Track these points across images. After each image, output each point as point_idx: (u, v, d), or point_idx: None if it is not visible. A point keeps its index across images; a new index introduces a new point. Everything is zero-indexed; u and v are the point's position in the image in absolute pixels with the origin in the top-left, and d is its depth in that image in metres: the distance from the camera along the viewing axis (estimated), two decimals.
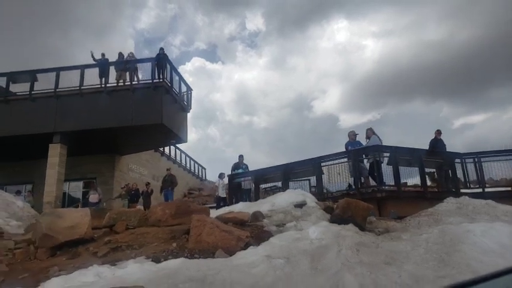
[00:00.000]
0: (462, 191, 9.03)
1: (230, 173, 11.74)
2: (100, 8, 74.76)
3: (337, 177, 9.10)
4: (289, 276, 5.03)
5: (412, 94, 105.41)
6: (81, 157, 16.84)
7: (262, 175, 10.72)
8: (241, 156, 11.99)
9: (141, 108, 14.96)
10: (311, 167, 9.49)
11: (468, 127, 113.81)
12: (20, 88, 16.13)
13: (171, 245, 6.48)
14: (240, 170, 11.51)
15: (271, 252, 5.65)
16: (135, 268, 5.36)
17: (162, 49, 15.51)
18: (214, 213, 8.62)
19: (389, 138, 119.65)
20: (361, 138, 9.77)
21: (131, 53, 15.86)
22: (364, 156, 9.09)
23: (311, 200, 8.37)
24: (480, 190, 9.23)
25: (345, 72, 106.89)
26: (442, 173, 9.81)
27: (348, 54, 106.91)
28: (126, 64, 15.39)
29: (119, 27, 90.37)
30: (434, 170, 9.94)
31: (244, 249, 6.09)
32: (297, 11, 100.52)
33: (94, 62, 15.45)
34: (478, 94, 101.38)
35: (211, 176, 32.67)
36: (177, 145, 23.95)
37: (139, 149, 19.15)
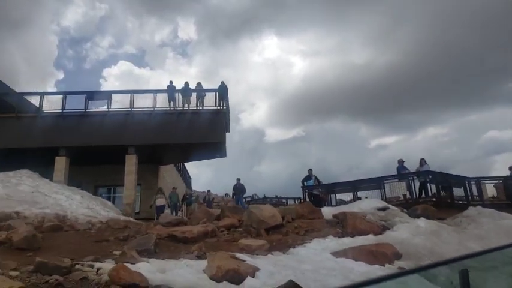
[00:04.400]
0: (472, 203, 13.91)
1: (301, 183, 15.62)
2: None
3: (397, 190, 13.52)
4: (430, 242, 9.21)
5: (334, 113, 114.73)
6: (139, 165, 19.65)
7: (332, 187, 14.86)
8: (310, 170, 15.91)
9: (205, 129, 18.33)
10: (375, 183, 13.84)
11: (382, 147, 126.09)
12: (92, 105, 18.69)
13: (335, 230, 10.37)
14: (311, 181, 15.43)
15: (409, 233, 9.82)
16: (345, 240, 9.23)
17: (223, 82, 19.06)
18: (328, 210, 12.38)
19: (313, 155, 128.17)
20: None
21: (199, 82, 19.22)
22: (416, 177, 13.59)
23: (389, 205, 12.66)
24: (481, 203, 14.15)
25: (273, 87, 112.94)
26: (450, 190, 14.66)
27: (277, 69, 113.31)
28: (193, 92, 18.73)
29: (39, 21, 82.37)
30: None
31: (382, 233, 10.18)
32: (229, 22, 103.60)
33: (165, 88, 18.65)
34: (392, 117, 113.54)
35: None
36: None
37: (179, 161, 22.26)
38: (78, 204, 13.60)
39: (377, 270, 6.81)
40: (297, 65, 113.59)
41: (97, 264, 6.03)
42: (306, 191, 15.27)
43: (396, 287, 1.58)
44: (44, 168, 17.47)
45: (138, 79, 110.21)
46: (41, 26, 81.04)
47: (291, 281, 5.26)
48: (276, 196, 35.32)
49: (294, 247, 8.77)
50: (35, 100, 19.01)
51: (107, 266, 6.06)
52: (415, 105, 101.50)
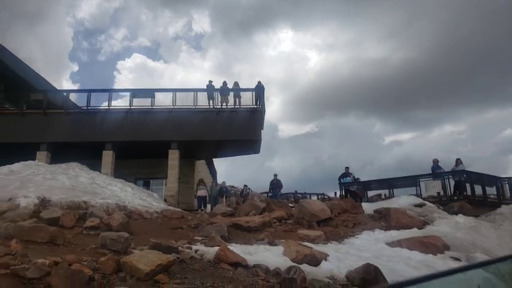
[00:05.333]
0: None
1: (338, 180, 16.52)
2: None
3: (432, 189, 14.32)
4: (471, 237, 10.01)
5: (348, 109, 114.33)
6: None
7: (368, 185, 15.73)
8: (347, 168, 16.79)
9: (243, 127, 19.29)
10: (410, 181, 14.67)
11: (397, 144, 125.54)
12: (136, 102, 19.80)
13: (380, 223, 11.24)
14: (348, 179, 16.33)
15: (450, 227, 10.63)
16: (392, 233, 10.09)
17: (259, 82, 19.95)
18: (366, 206, 13.26)
19: (326, 151, 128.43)
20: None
21: (236, 82, 20.16)
22: (451, 176, 14.37)
23: (426, 202, 13.45)
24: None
25: (287, 82, 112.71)
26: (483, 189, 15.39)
27: (291, 64, 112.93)
28: (231, 91, 19.70)
29: (55, 14, 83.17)
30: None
31: (424, 228, 11.00)
32: (244, 16, 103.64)
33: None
34: (407, 113, 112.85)
35: None
36: None
37: (214, 156, 23.34)
38: (132, 196, 14.68)
39: (432, 259, 7.68)
40: (312, 60, 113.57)
41: (193, 247, 7.00)
42: (343, 187, 16.15)
43: (460, 279, 1.57)
44: (91, 161, 18.61)
45: (152, 72, 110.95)
46: (56, 18, 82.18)
47: (368, 264, 6.16)
48: (295, 192, 35.97)
49: (347, 238, 9.69)
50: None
51: (201, 248, 7.05)
52: (431, 102, 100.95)
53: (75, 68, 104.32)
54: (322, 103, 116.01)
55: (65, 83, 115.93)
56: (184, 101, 19.56)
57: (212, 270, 5.51)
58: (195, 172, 22.34)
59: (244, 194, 19.40)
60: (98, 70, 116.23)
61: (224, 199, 19.44)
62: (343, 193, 16.12)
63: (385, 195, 16.52)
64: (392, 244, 8.56)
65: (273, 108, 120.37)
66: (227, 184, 20.77)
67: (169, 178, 18.55)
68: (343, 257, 7.64)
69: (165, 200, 18.08)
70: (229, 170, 71.89)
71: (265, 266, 6.09)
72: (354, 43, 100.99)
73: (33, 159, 17.58)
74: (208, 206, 18.05)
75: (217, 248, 6.76)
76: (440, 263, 7.26)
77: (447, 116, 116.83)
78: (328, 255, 7.44)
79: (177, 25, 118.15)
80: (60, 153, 18.83)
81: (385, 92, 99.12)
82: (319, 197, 32.03)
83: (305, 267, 6.62)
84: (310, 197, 32.27)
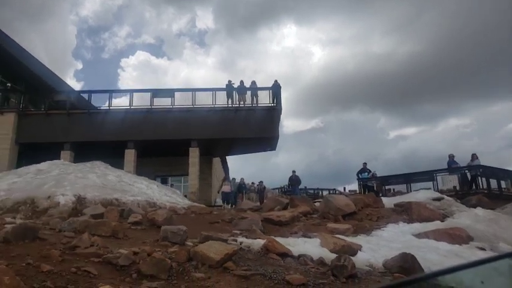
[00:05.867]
0: None
1: (356, 175, 17.05)
2: None
3: (449, 183, 14.78)
4: (492, 229, 10.44)
5: (353, 104, 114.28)
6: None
7: (386, 180, 16.23)
8: (365, 163, 17.30)
9: (260, 125, 19.81)
10: (428, 176, 15.13)
11: (402, 138, 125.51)
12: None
13: (402, 217, 11.70)
14: (365, 174, 16.83)
15: (470, 220, 11.07)
16: (415, 225, 10.55)
17: (276, 81, 20.45)
18: (385, 200, 13.73)
19: (330, 146, 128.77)
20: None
21: (253, 81, 20.71)
22: (467, 170, 14.83)
23: (443, 196, 13.89)
24: None
25: (291, 77, 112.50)
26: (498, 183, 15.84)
27: (295, 59, 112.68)
28: (249, 90, 20.22)
29: (59, 11, 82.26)
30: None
31: (444, 220, 11.46)
32: (247, 11, 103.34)
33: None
34: (412, 108, 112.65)
35: None
36: None
37: (231, 154, 23.95)
38: (158, 193, 15.22)
39: (459, 249, 8.16)
40: (316, 55, 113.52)
41: (239, 239, 7.52)
42: (361, 182, 16.67)
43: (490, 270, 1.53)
44: (112, 160, 19.20)
45: (156, 69, 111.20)
46: (60, 16, 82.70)
47: (405, 253, 6.64)
48: (305, 187, 36.42)
49: (373, 230, 10.18)
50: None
51: (244, 240, 7.57)
52: (437, 96, 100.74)
53: (79, 66, 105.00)
54: (327, 98, 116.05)
55: (69, 81, 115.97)
56: (206, 101, 20.11)
57: (264, 260, 6.01)
58: (212, 169, 22.91)
59: (259, 190, 19.95)
60: (102, 68, 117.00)
61: (243, 195, 20.00)
62: (362, 188, 16.64)
63: (393, 189, 17.01)
64: (419, 236, 9.04)
65: None
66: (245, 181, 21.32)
67: (191, 175, 19.13)
68: (375, 247, 8.13)
69: (185, 196, 18.67)
70: (234, 167, 72.32)
71: (309, 256, 6.59)
72: (359, 37, 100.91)
73: (58, 158, 18.18)
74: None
75: (259, 240, 7.30)
76: (468, 252, 7.73)
77: (452, 109, 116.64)
78: (362, 246, 7.93)
79: (181, 22, 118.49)
80: (83, 152, 19.47)
81: (390, 87, 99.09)
82: (330, 192, 32.46)
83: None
84: (321, 193, 32.83)
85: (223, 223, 10.07)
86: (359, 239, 8.92)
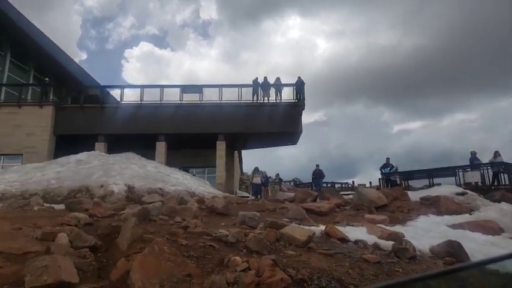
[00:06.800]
0: None
1: (380, 170, 17.92)
2: None
3: (471, 178, 15.59)
4: None
5: (357, 97, 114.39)
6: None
7: (410, 174, 17.09)
8: (388, 159, 18.12)
9: (284, 120, 20.63)
10: (450, 171, 15.95)
11: (406, 133, 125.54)
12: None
13: (431, 209, 12.51)
14: (388, 169, 17.67)
15: (496, 213, 11.85)
16: (445, 217, 11.36)
17: (299, 77, 21.22)
18: (410, 194, 14.52)
19: (334, 139, 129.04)
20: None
21: (278, 78, 21.48)
22: (490, 167, 15.62)
23: (467, 191, 14.67)
24: None
25: (295, 69, 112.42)
26: None
27: (299, 51, 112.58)
28: (273, 86, 21.04)
29: (63, 1, 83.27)
30: None
31: (471, 213, 12.25)
32: (251, 2, 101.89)
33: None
34: (416, 102, 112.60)
35: None
36: None
37: (254, 147, 24.89)
38: (194, 183, 16.10)
39: (494, 239, 8.96)
40: (320, 47, 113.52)
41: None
42: (384, 177, 17.52)
43: None
44: (143, 151, 20.12)
45: (159, 60, 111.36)
46: (65, 6, 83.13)
47: (450, 240, 7.46)
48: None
49: (407, 221, 10.99)
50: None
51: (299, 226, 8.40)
52: (442, 90, 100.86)
53: (84, 56, 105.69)
54: (331, 91, 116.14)
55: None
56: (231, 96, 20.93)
57: (330, 243, 6.85)
58: (234, 162, 23.78)
59: (277, 182, 20.87)
60: (106, 58, 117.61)
61: (268, 188, 20.85)
62: (385, 183, 17.48)
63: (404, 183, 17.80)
64: (453, 226, 9.85)
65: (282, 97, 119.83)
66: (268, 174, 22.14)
67: (218, 167, 20.00)
68: (416, 236, 8.95)
69: None
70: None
71: (365, 241, 7.43)
72: (363, 30, 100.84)
73: (92, 149, 19.09)
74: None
75: (314, 227, 8.15)
76: (503, 242, 8.54)
77: (458, 104, 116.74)
78: (404, 235, 8.76)
79: (185, 13, 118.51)
80: (115, 143, 20.37)
81: (394, 80, 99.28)
82: (342, 186, 33.18)
83: (389, 244, 7.95)
84: (334, 186, 33.69)
85: (268, 212, 10.90)
86: (397, 229, 9.72)
